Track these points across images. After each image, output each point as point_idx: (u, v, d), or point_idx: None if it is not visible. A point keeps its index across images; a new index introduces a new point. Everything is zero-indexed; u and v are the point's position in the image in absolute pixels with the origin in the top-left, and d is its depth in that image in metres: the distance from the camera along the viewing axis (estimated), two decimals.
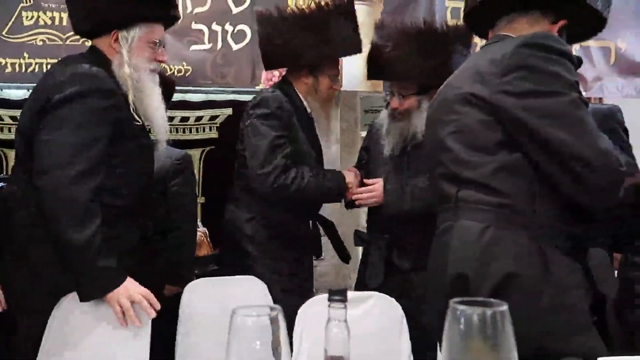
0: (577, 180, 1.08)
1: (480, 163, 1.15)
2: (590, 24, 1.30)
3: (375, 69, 2.06)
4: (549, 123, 1.09)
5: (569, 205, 1.13)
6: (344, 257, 2.21)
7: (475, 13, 1.35)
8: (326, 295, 1.52)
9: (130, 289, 1.40)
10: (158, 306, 1.42)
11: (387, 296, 1.55)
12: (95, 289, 1.39)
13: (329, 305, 0.83)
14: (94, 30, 1.57)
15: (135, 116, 1.56)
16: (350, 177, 2.00)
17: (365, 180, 1.99)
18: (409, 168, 1.97)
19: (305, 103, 2.03)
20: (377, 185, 1.95)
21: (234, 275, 1.93)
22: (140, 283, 1.44)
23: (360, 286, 2.03)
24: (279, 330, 0.61)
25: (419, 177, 1.90)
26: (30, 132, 1.47)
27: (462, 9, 2.75)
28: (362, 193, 1.97)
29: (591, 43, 2.90)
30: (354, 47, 2.05)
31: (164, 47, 1.63)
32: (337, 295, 0.83)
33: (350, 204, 2.17)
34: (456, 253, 1.13)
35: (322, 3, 2.05)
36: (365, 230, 2.25)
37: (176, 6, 1.68)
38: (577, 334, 1.06)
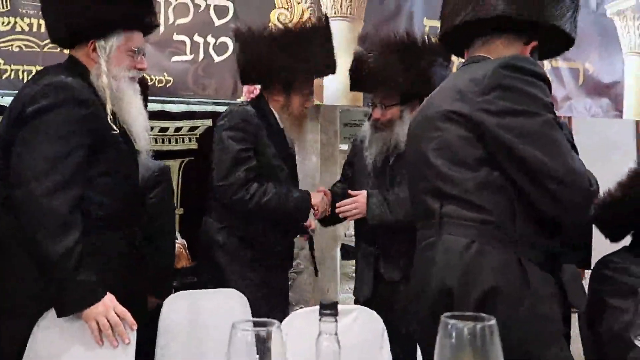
0: (550, 197, 1.14)
1: (462, 179, 1.19)
2: (560, 43, 1.38)
3: (358, 80, 2.09)
4: (524, 142, 1.14)
5: (545, 222, 1.18)
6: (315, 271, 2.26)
7: (450, 34, 1.40)
8: (307, 309, 1.55)
9: (109, 308, 1.37)
10: (135, 327, 1.41)
11: (369, 309, 1.57)
12: (73, 304, 1.37)
13: (320, 319, 0.85)
14: (71, 40, 1.57)
15: (113, 125, 1.55)
16: (317, 198, 2.02)
17: (349, 192, 2.02)
18: (392, 181, 2.01)
19: (278, 118, 2.06)
20: (359, 197, 1.98)
21: (209, 285, 1.94)
22: (128, 291, 1.43)
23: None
24: (277, 344, 0.63)
25: (401, 187, 1.94)
26: (8, 139, 1.46)
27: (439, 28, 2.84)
28: (345, 205, 1.99)
29: (561, 64, 3.03)
30: (328, 68, 2.10)
31: (143, 54, 1.63)
32: (328, 309, 0.85)
33: (325, 222, 2.19)
34: (441, 267, 1.17)
35: (300, 21, 2.09)
36: (346, 241, 2.28)
37: (154, 13, 1.66)
38: (553, 344, 1.11)
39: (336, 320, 0.85)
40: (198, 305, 1.80)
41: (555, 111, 1.21)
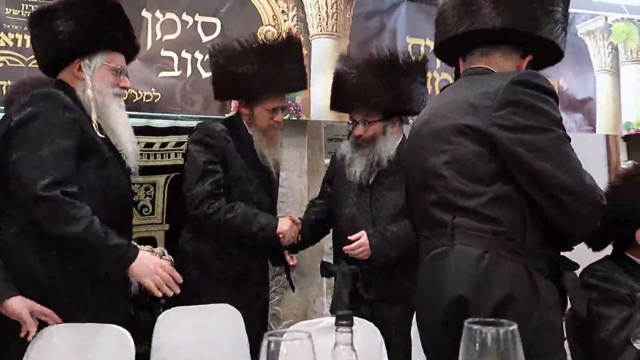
0: (562, 208, 1.17)
1: (476, 193, 1.21)
2: (550, 58, 1.43)
3: (340, 98, 2.10)
4: (537, 156, 1.17)
5: (553, 233, 1.21)
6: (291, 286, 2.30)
7: (447, 44, 1.43)
8: (304, 323, 1.56)
9: (152, 268, 1.53)
10: (181, 280, 1.61)
11: (367, 321, 1.59)
12: (116, 266, 1.52)
13: (336, 330, 0.86)
14: (59, 61, 1.66)
15: (99, 133, 1.63)
16: (285, 226, 1.99)
17: (349, 238, 1.99)
18: (372, 199, 2.02)
19: (249, 131, 2.08)
20: (363, 240, 1.96)
21: (180, 297, 1.92)
22: (119, 302, 1.53)
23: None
24: (308, 354, 0.65)
25: (397, 222, 1.95)
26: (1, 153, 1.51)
27: (423, 45, 2.93)
28: (354, 249, 1.96)
29: None
30: (295, 85, 2.11)
31: (126, 75, 1.74)
32: (344, 319, 0.87)
33: (293, 248, 2.17)
34: (454, 276, 1.19)
35: (269, 37, 2.13)
36: (330, 254, 2.28)
37: (134, 36, 1.80)
38: (557, 353, 1.15)
39: (352, 331, 0.87)
40: (192, 320, 1.79)
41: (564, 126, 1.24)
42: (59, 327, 1.43)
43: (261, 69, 1.98)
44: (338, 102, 2.15)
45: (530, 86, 1.22)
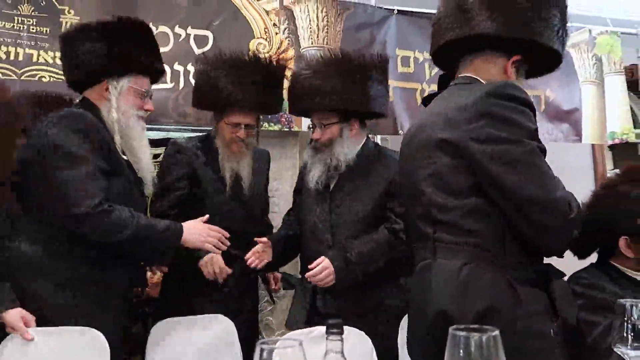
0: (531, 221, 1.17)
1: (453, 206, 1.22)
2: (549, 61, 1.40)
3: (295, 101, 2.05)
4: (508, 170, 1.17)
5: (533, 245, 1.22)
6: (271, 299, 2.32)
7: (440, 52, 1.43)
8: (297, 332, 1.57)
9: (202, 232, 1.69)
10: (228, 243, 1.77)
11: (358, 330, 1.61)
12: (171, 245, 1.66)
13: (327, 338, 0.89)
14: (87, 80, 1.72)
15: (122, 155, 1.69)
16: (202, 263, 1.90)
17: (309, 266, 1.89)
18: (331, 207, 1.97)
19: (216, 144, 2.08)
20: (326, 263, 1.87)
21: (172, 309, 1.92)
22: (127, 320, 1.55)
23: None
24: None
25: (361, 236, 1.90)
26: (32, 173, 1.56)
27: (412, 57, 2.98)
28: (316, 275, 1.86)
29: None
30: (257, 104, 2.03)
31: (150, 97, 1.79)
32: (334, 328, 0.89)
33: (270, 267, 2.08)
34: (436, 290, 1.20)
35: (258, 51, 2.14)
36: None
37: (161, 62, 1.85)
38: (549, 358, 1.16)
39: (342, 339, 0.89)
40: (184, 332, 1.80)
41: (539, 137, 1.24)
42: (32, 330, 1.44)
43: (228, 83, 1.97)
44: (293, 105, 2.08)
45: (504, 98, 1.21)
